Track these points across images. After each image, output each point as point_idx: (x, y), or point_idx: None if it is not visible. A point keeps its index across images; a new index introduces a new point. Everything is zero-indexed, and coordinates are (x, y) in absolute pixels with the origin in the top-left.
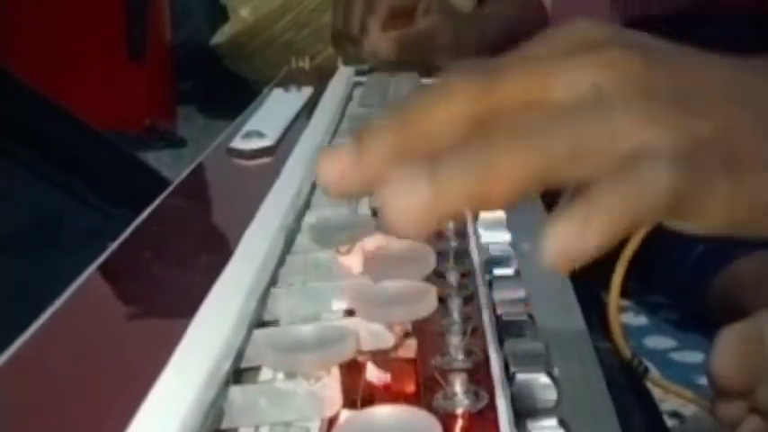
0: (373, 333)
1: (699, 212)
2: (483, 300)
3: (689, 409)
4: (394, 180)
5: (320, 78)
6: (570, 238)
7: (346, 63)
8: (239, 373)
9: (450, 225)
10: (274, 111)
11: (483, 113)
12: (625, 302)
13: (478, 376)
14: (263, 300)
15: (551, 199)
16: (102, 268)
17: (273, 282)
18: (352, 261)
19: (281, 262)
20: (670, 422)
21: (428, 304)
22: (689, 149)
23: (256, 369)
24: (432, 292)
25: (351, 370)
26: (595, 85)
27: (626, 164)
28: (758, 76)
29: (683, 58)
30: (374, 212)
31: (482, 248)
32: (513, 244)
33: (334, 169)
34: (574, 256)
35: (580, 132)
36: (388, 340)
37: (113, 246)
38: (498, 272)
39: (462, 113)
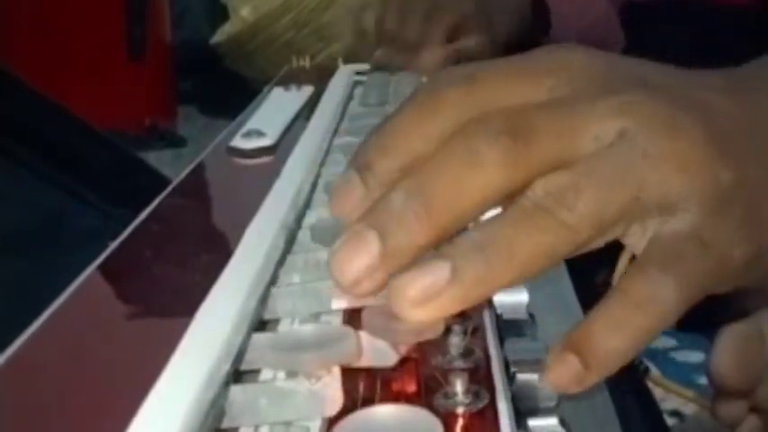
0: (377, 350)
1: (716, 288)
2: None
3: (689, 409)
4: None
5: (321, 77)
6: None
7: (362, 61)
8: (239, 373)
9: None
10: (275, 110)
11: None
12: None
13: (479, 376)
14: (264, 299)
15: None
16: (101, 268)
17: (274, 281)
18: None
19: (281, 261)
20: (670, 421)
21: (434, 331)
22: (713, 210)
23: (257, 369)
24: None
25: (351, 369)
26: (624, 132)
27: (633, 273)
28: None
29: (700, 95)
30: None
31: None
32: None
33: (347, 205)
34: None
35: (608, 194)
36: (390, 358)
37: (113, 245)
38: None
39: (449, 126)
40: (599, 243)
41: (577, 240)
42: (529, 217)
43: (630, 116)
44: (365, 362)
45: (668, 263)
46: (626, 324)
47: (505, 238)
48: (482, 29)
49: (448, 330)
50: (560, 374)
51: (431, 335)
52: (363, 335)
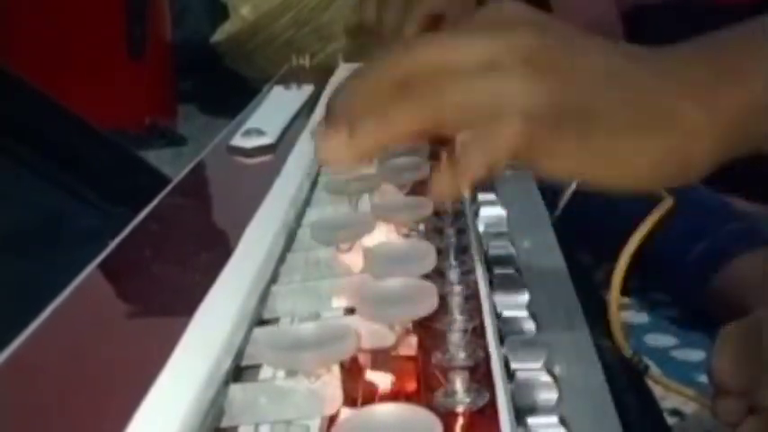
0: (373, 332)
1: (549, 155)
2: (484, 297)
3: (689, 407)
4: (325, 132)
5: (320, 76)
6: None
7: (359, 59)
8: (239, 372)
9: (451, 223)
10: (275, 109)
11: (400, 80)
12: (626, 300)
13: (479, 374)
14: (264, 298)
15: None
16: (102, 266)
17: (274, 279)
18: (353, 259)
19: (281, 260)
20: (671, 420)
21: (429, 303)
22: (545, 105)
23: (256, 367)
24: (432, 291)
25: (351, 368)
26: (492, 57)
27: (494, 115)
28: (635, 61)
29: (572, 39)
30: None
31: (483, 246)
32: (513, 242)
33: (329, 150)
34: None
35: (469, 94)
36: (388, 339)
37: (113, 244)
38: (499, 270)
39: (385, 82)
40: (458, 125)
41: (440, 117)
42: (407, 96)
43: (502, 43)
44: (364, 344)
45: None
46: (482, 146)
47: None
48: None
49: (448, 329)
50: (437, 185)
51: (424, 311)
52: (360, 319)
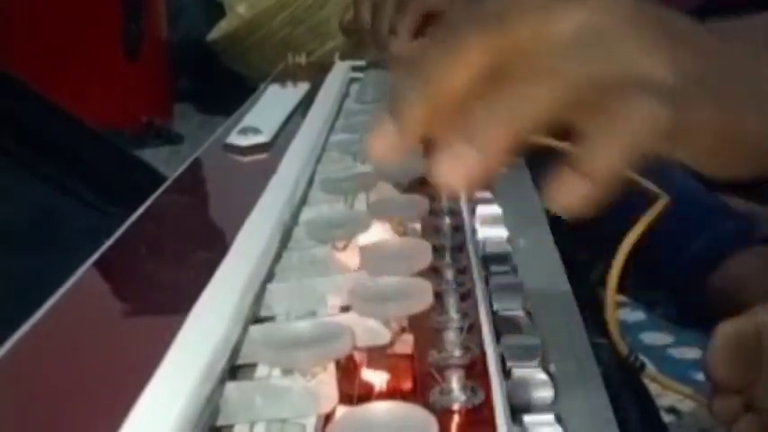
0: (369, 329)
1: (684, 142)
2: (479, 295)
3: (686, 405)
4: (442, 152)
5: (317, 74)
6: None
7: (355, 57)
8: (235, 370)
9: (447, 221)
10: (271, 107)
11: (497, 60)
12: (622, 298)
13: (475, 372)
14: (260, 296)
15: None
16: (98, 264)
17: (270, 278)
18: (349, 257)
19: (277, 258)
20: (667, 418)
21: (424, 300)
22: (681, 81)
23: (252, 365)
24: (427, 288)
25: (347, 366)
26: (594, 24)
27: (623, 97)
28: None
29: (664, 9)
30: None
31: (479, 244)
32: (509, 240)
33: (384, 147)
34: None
35: (593, 65)
36: (383, 336)
37: (109, 242)
38: (495, 268)
39: (480, 66)
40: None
41: (559, 103)
42: (515, 85)
43: (598, 12)
44: (360, 343)
45: (645, 90)
46: (623, 134)
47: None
48: None
49: (444, 327)
50: (566, 195)
51: (419, 308)
52: (355, 317)
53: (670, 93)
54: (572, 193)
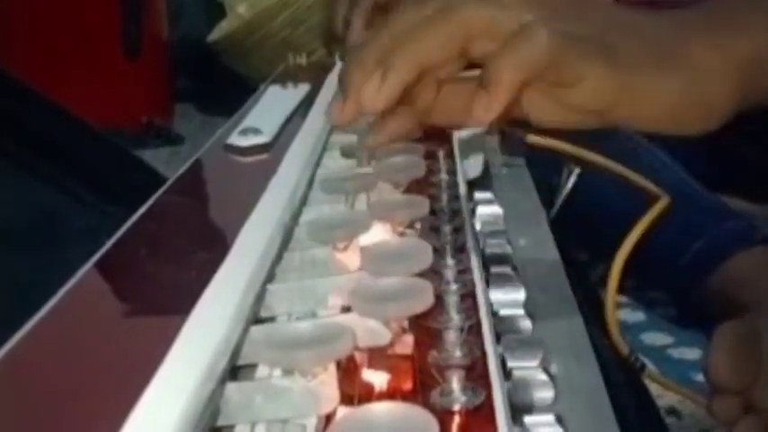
0: (369, 330)
1: (577, 78)
2: (480, 296)
3: (686, 406)
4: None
5: (317, 75)
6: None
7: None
8: (236, 370)
9: (447, 221)
10: (271, 107)
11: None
12: (622, 299)
13: (475, 373)
14: (260, 296)
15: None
16: (98, 265)
17: (270, 278)
18: (349, 257)
19: (278, 258)
20: (667, 419)
21: (424, 300)
22: (569, 33)
23: (253, 366)
24: (428, 288)
25: (348, 367)
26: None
27: (518, 32)
28: (646, 16)
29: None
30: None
31: (479, 245)
32: (510, 240)
33: (366, 95)
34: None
35: (491, 13)
36: (384, 337)
37: (109, 243)
38: (495, 268)
39: (404, 20)
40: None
41: (457, 37)
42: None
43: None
44: (360, 343)
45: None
46: (512, 54)
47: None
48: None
49: (444, 328)
50: (476, 108)
51: (420, 308)
52: (356, 317)
53: (559, 36)
54: (477, 104)
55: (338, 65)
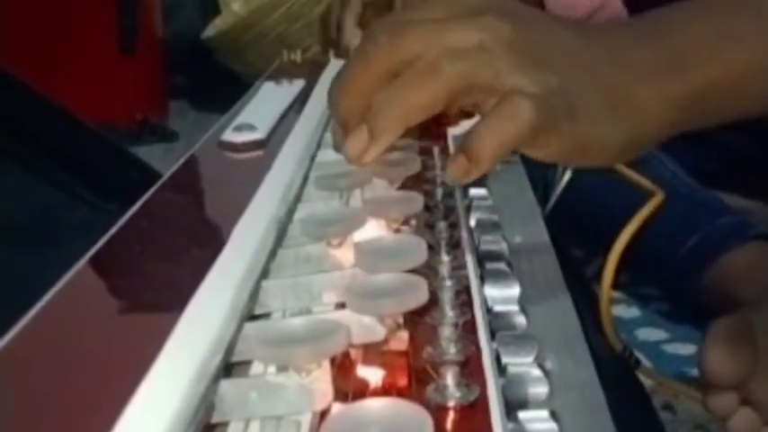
0: (364, 326)
1: (544, 145)
2: (475, 292)
3: (680, 401)
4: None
5: (311, 71)
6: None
7: (345, 55)
8: (230, 367)
9: (442, 217)
10: (266, 104)
11: (396, 67)
12: (617, 294)
13: (470, 369)
14: (255, 293)
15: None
16: (92, 261)
17: (265, 275)
18: (344, 254)
19: (272, 255)
20: (662, 414)
21: (419, 296)
22: (544, 96)
23: (247, 363)
24: (422, 285)
25: (342, 363)
26: (480, 41)
27: (503, 99)
28: (595, 42)
29: (541, 25)
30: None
31: (474, 241)
32: (505, 237)
33: (357, 153)
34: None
35: (472, 71)
36: (379, 333)
37: (104, 239)
38: (490, 265)
39: (381, 72)
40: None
41: (441, 96)
42: (415, 78)
43: (483, 32)
44: (355, 340)
45: (521, 96)
46: (497, 129)
47: (398, 96)
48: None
49: (439, 324)
50: (453, 170)
51: (414, 304)
52: (350, 313)
53: (533, 100)
54: (456, 167)
55: (333, 62)
